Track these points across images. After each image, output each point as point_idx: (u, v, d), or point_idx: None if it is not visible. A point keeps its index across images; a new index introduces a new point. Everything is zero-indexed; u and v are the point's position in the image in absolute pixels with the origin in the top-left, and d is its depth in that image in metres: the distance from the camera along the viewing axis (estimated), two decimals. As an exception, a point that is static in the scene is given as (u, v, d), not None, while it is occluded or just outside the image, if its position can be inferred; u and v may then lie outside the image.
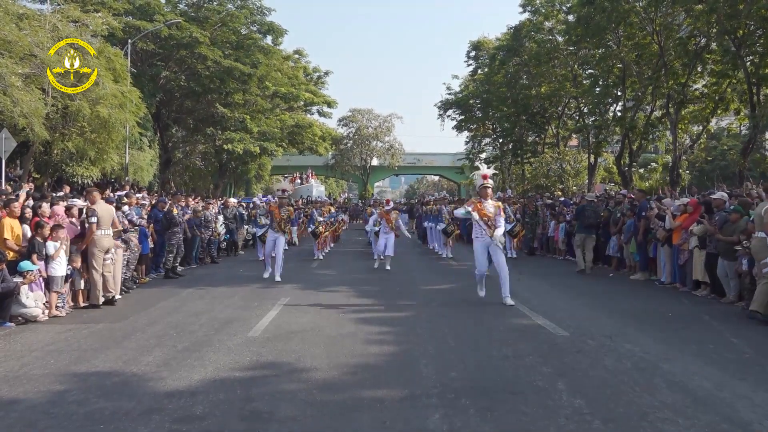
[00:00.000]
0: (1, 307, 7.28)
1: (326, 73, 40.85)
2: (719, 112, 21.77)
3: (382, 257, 13.77)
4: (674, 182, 21.02)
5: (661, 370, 5.28)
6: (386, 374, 5.26)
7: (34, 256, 7.83)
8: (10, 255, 7.67)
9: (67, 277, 8.38)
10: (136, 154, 22.84)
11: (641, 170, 31.69)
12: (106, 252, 8.87)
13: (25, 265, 7.67)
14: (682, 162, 24.40)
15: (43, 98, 14.04)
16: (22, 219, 8.24)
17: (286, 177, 54.26)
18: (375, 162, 57.36)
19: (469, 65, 36.95)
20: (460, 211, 9.27)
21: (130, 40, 22.87)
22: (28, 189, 11.45)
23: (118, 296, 9.19)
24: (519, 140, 35.00)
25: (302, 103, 36.59)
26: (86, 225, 8.88)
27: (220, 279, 12.04)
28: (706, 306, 8.70)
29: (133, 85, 19.25)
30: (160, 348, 6.17)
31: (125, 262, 10.06)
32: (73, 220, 9.22)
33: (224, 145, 28.88)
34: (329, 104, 37.91)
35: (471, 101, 37.34)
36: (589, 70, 27.44)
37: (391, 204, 15.63)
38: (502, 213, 8.91)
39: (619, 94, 24.96)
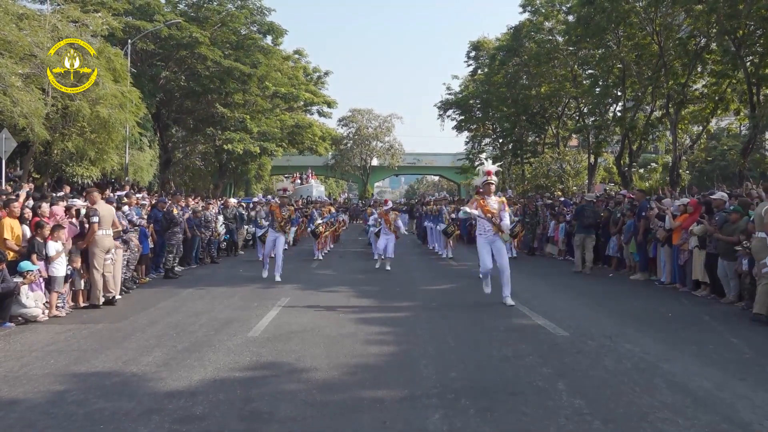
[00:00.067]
0: (1, 308, 7.28)
1: (326, 73, 40.91)
2: (719, 112, 21.78)
3: (383, 257, 13.76)
4: (674, 182, 21.01)
5: (661, 370, 5.28)
6: (386, 374, 5.26)
7: (34, 256, 7.83)
8: (10, 255, 7.66)
9: (67, 277, 8.38)
10: (136, 154, 22.83)
11: (641, 170, 31.69)
12: (107, 252, 8.87)
13: (25, 265, 7.66)
14: (682, 162, 24.41)
15: (43, 98, 14.05)
16: (21, 219, 8.24)
17: (287, 177, 54.37)
18: (375, 162, 57.43)
19: (469, 65, 37.01)
20: (461, 213, 9.29)
21: (130, 40, 22.87)
22: (28, 189, 11.44)
23: (118, 296, 9.19)
24: (519, 140, 35.02)
25: (302, 103, 36.60)
26: (86, 225, 8.89)
27: (220, 279, 12.04)
28: (706, 306, 8.70)
29: (133, 85, 19.25)
30: (159, 348, 6.17)
31: (125, 263, 10.05)
32: (73, 220, 9.22)
33: (224, 145, 28.89)
34: (329, 104, 37.93)
35: (471, 101, 37.37)
36: (589, 71, 27.44)
37: (390, 204, 15.61)
38: (506, 208, 8.82)
39: (619, 94, 24.97)
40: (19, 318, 7.52)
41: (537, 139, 35.23)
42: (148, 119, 24.25)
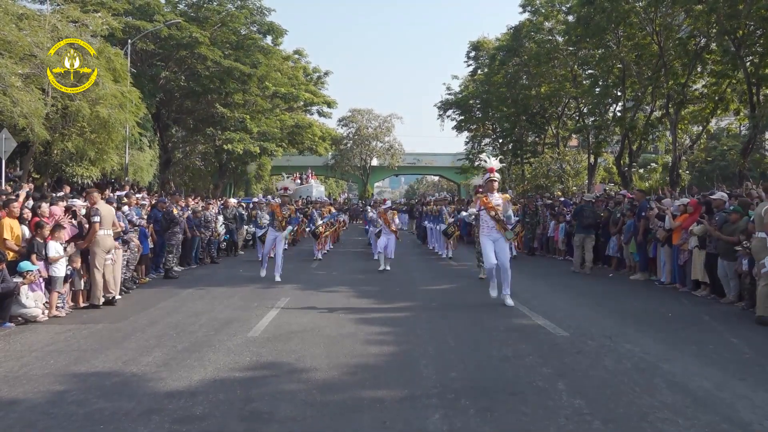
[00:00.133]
0: (1, 308, 7.28)
1: (326, 74, 40.89)
2: (719, 112, 21.78)
3: (379, 256, 13.74)
4: (674, 182, 21.01)
5: (661, 370, 5.28)
6: (386, 374, 5.26)
7: (34, 257, 7.83)
8: (10, 255, 7.66)
9: (66, 278, 8.37)
10: (136, 154, 22.82)
11: (641, 170, 31.69)
12: (108, 252, 8.87)
13: (25, 265, 7.66)
14: (681, 162, 24.41)
15: (43, 98, 14.04)
16: (20, 219, 8.23)
17: (288, 176, 54.42)
18: (375, 162, 57.44)
19: (468, 65, 36.99)
20: (465, 215, 9.11)
21: (129, 41, 22.86)
22: (27, 189, 11.44)
23: (117, 297, 9.19)
24: (519, 140, 35.01)
25: (302, 103, 36.59)
26: (86, 225, 8.88)
27: (220, 279, 12.04)
28: (706, 306, 8.70)
29: (133, 85, 19.24)
30: (159, 348, 6.17)
31: (125, 263, 10.05)
32: (72, 220, 9.22)
33: (224, 146, 28.87)
34: (329, 104, 37.92)
35: (471, 101, 37.35)
36: (589, 71, 27.44)
37: (388, 203, 15.60)
38: (510, 204, 8.75)
39: (618, 94, 24.96)
40: (19, 318, 7.52)
41: (537, 139, 35.23)
42: (148, 119, 24.24)
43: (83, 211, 9.38)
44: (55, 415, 4.24)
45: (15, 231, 7.90)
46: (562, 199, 19.51)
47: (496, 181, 8.72)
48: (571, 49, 26.45)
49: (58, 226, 8.34)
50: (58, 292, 8.17)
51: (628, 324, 7.32)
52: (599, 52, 24.35)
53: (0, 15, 13.46)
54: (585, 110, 28.55)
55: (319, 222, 17.14)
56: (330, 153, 51.10)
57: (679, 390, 4.72)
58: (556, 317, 7.65)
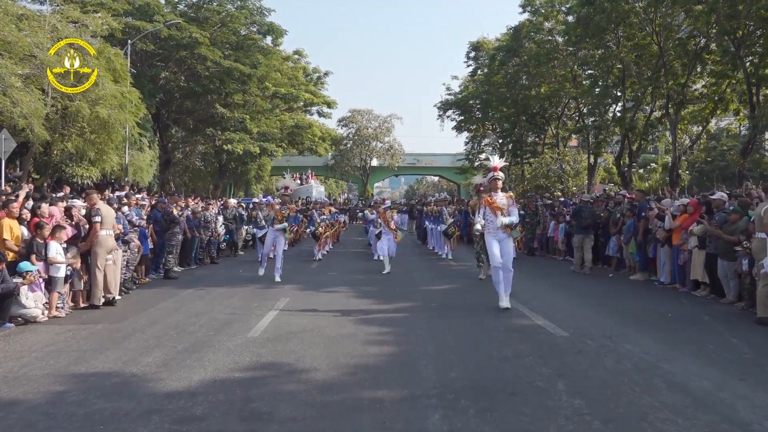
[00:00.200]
0: (1, 308, 7.27)
1: (326, 74, 40.89)
2: (719, 112, 21.79)
3: (381, 257, 13.70)
4: (674, 183, 21.02)
5: (661, 370, 5.28)
6: (386, 375, 5.26)
7: (33, 257, 7.83)
8: (10, 256, 7.66)
9: (66, 278, 8.37)
10: (136, 154, 22.83)
11: (641, 171, 31.70)
12: (109, 252, 8.88)
13: (24, 265, 7.66)
14: (681, 162, 24.42)
15: (43, 99, 14.05)
16: (18, 220, 8.23)
17: (287, 175, 54.45)
18: (375, 162, 57.45)
19: (468, 66, 37.00)
20: (477, 228, 8.69)
21: (129, 41, 22.87)
22: (27, 190, 11.44)
23: (117, 297, 9.19)
24: (519, 141, 35.02)
25: (302, 103, 36.60)
26: (86, 226, 8.88)
27: (220, 280, 12.04)
28: (706, 306, 8.70)
29: (132, 85, 19.25)
30: (159, 349, 6.17)
31: (125, 263, 10.05)
32: (69, 221, 9.20)
33: (224, 146, 28.88)
34: (329, 105, 37.93)
35: (471, 102, 37.36)
36: (589, 71, 27.45)
37: (388, 202, 15.56)
38: (514, 203, 8.58)
39: (618, 94, 24.97)
40: (19, 318, 7.51)
41: (537, 139, 35.23)
42: (147, 120, 24.26)
43: (83, 212, 9.37)
44: (55, 416, 4.24)
45: (15, 231, 7.90)
46: (562, 199, 19.51)
47: (500, 179, 8.51)
48: (570, 49, 26.47)
49: (58, 227, 8.33)
50: (58, 293, 8.17)
51: (628, 324, 7.32)
52: (599, 52, 24.36)
53: (0, 15, 13.46)
54: (585, 110, 28.56)
55: (319, 222, 17.12)
56: (330, 153, 51.13)
57: (678, 390, 4.72)
58: (556, 317, 7.65)
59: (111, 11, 21.32)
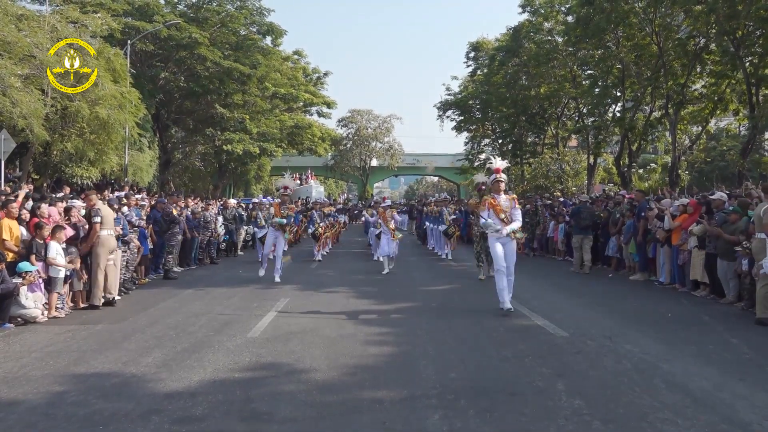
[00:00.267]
0: (1, 308, 7.27)
1: (325, 74, 40.88)
2: (718, 112, 21.78)
3: (381, 258, 13.69)
4: (673, 183, 21.02)
5: (661, 370, 5.28)
6: (386, 375, 5.26)
7: (33, 257, 7.82)
8: (9, 256, 7.66)
9: (66, 278, 8.37)
10: (136, 155, 22.83)
11: (640, 171, 31.70)
12: (111, 253, 8.88)
13: (24, 265, 7.66)
14: (681, 162, 24.41)
15: (43, 99, 14.04)
16: (18, 220, 8.23)
17: (286, 175, 54.40)
18: (374, 163, 57.44)
19: (468, 66, 36.99)
20: (488, 224, 8.19)
21: (129, 41, 22.87)
22: (27, 190, 11.44)
23: (117, 297, 9.19)
24: (518, 141, 35.02)
25: (301, 103, 36.59)
26: (85, 226, 8.88)
27: (220, 280, 12.04)
28: (706, 306, 8.70)
29: (132, 85, 19.24)
30: (159, 349, 6.17)
31: (125, 263, 10.05)
32: (75, 221, 9.21)
33: (224, 146, 28.87)
34: (328, 105, 37.93)
35: (470, 102, 37.35)
36: (589, 71, 27.45)
37: (387, 201, 15.53)
38: (517, 205, 8.36)
39: (618, 94, 24.97)
40: (19, 319, 7.51)
41: (536, 139, 35.23)
42: (147, 120, 24.25)
43: (83, 212, 9.37)
44: (54, 416, 4.24)
45: (14, 232, 7.90)
46: (562, 199, 19.52)
47: (502, 182, 8.33)
48: (570, 49, 26.46)
49: (58, 227, 8.33)
50: (58, 293, 8.16)
51: (627, 324, 7.32)
52: (599, 52, 24.36)
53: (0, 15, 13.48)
54: (584, 110, 28.56)
55: (320, 223, 17.10)
56: (329, 153, 51.11)
57: (678, 390, 4.72)
58: (556, 317, 7.65)
59: (110, 11, 21.33)
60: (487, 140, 39.61)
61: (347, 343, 6.40)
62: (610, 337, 6.53)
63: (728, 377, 5.08)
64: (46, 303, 7.97)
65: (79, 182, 18.25)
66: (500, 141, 37.21)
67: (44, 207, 8.71)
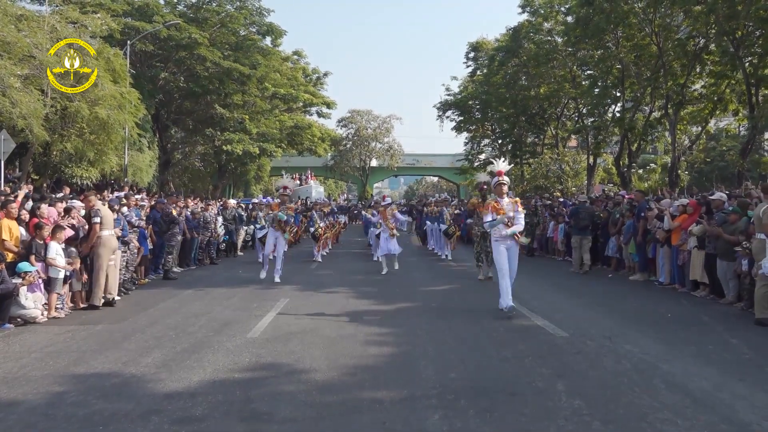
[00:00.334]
0: (0, 309, 7.27)
1: (325, 74, 40.91)
2: (718, 112, 21.78)
3: (380, 258, 13.68)
4: (673, 183, 21.02)
5: (661, 370, 5.28)
6: (386, 375, 5.26)
7: (32, 257, 7.82)
8: (9, 256, 7.66)
9: (66, 279, 8.37)
10: (135, 155, 22.82)
11: (640, 171, 31.70)
12: (113, 252, 8.88)
13: (24, 266, 7.65)
14: (681, 163, 24.42)
15: (42, 99, 14.04)
16: (17, 220, 8.22)
17: (286, 175, 54.45)
18: (374, 163, 57.50)
19: (468, 66, 36.99)
20: (496, 223, 8.04)
21: (129, 41, 22.87)
22: (27, 191, 11.43)
23: (117, 298, 9.18)
24: (518, 141, 35.03)
25: (301, 104, 36.61)
26: (86, 226, 8.88)
27: (220, 280, 12.03)
28: (706, 307, 8.71)
29: (132, 86, 19.25)
30: (159, 349, 6.17)
31: (124, 263, 10.05)
32: (73, 222, 9.21)
33: (223, 146, 28.87)
34: (328, 105, 37.95)
35: (470, 102, 37.35)
36: (588, 71, 27.45)
37: (388, 199, 15.52)
38: (520, 208, 8.20)
39: (618, 94, 24.97)
40: (18, 319, 7.51)
41: (536, 139, 35.23)
42: (147, 120, 24.26)
43: (82, 212, 9.37)
44: (54, 417, 4.24)
45: (14, 232, 7.90)
46: (562, 199, 19.52)
47: (505, 184, 8.18)
48: (570, 49, 26.46)
49: (58, 227, 8.33)
50: (57, 293, 8.16)
51: (627, 324, 7.32)
52: (598, 52, 24.36)
53: (-1, 16, 13.48)
54: (584, 111, 28.55)
55: (320, 224, 17.09)
56: (329, 154, 51.14)
57: (678, 390, 4.72)
58: (556, 318, 7.65)
59: (110, 12, 21.32)
60: (486, 140, 39.64)
61: (347, 343, 6.40)
62: (609, 338, 6.53)
63: (728, 377, 5.09)
64: (45, 303, 7.97)
65: (79, 182, 18.24)
66: (500, 141, 37.22)
67: (44, 207, 8.71)
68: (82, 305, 8.77)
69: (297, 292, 10.33)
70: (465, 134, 40.45)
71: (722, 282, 8.93)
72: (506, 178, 8.27)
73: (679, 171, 23.74)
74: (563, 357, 5.80)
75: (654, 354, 5.85)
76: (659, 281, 10.96)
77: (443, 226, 16.70)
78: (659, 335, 6.73)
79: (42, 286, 7.92)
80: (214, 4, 28.96)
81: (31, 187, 13.68)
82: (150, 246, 11.73)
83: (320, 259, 16.27)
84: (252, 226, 17.76)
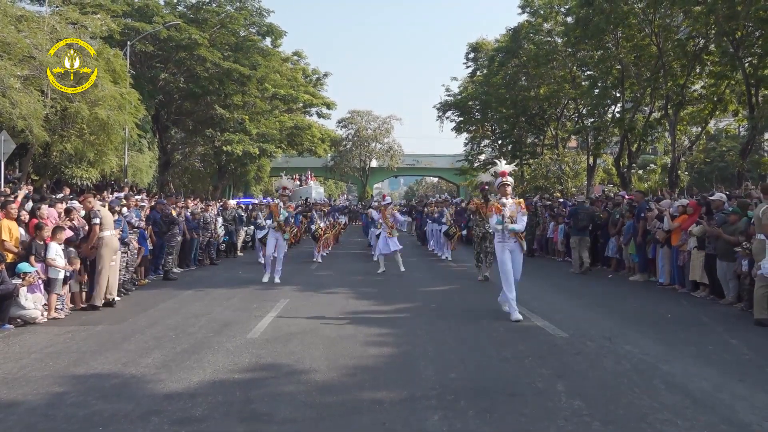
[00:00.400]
0: (0, 309, 7.27)
1: (325, 75, 40.93)
2: (718, 113, 21.77)
3: (378, 257, 13.67)
4: (673, 183, 21.02)
5: (661, 371, 5.28)
6: (385, 376, 5.26)
7: (32, 258, 7.82)
8: (9, 257, 7.66)
9: (66, 279, 8.37)
10: (135, 155, 22.83)
11: (640, 171, 31.69)
12: (115, 253, 8.88)
13: (23, 266, 7.65)
14: (680, 163, 24.41)
15: (42, 100, 14.05)
16: (17, 221, 8.22)
17: (285, 175, 54.42)
18: (374, 163, 57.53)
19: (468, 67, 37.02)
20: (494, 222, 8.02)
21: (128, 42, 22.87)
22: (27, 191, 11.43)
23: (117, 298, 9.18)
24: (518, 141, 35.03)
25: (301, 104, 36.62)
26: (86, 227, 8.87)
27: (220, 281, 12.03)
28: (705, 307, 8.71)
29: (132, 86, 19.25)
30: (159, 350, 6.17)
31: (124, 264, 10.05)
32: (74, 223, 9.20)
33: (223, 147, 28.89)
34: (328, 106, 37.97)
35: (470, 103, 37.36)
36: (588, 72, 27.44)
37: (388, 198, 15.51)
38: (524, 209, 8.11)
39: (617, 95, 24.97)
40: (18, 320, 7.51)
41: (536, 140, 35.23)
42: (147, 121, 24.28)
43: (82, 213, 9.37)
44: (54, 417, 4.24)
45: (13, 233, 7.90)
46: (561, 200, 19.52)
47: (509, 185, 8.07)
48: (570, 50, 26.47)
49: (58, 228, 8.33)
50: (57, 294, 8.16)
51: (627, 325, 7.32)
52: (598, 53, 24.36)
53: (-1, 17, 13.49)
54: (584, 111, 28.55)
55: (320, 224, 17.09)
56: (329, 154, 51.16)
57: (678, 391, 4.72)
58: (556, 318, 7.65)
59: (110, 12, 21.31)
60: (486, 141, 39.65)
61: (347, 343, 6.40)
62: (609, 338, 6.53)
63: (728, 378, 5.09)
64: (45, 304, 7.97)
65: (79, 183, 18.24)
66: (500, 142, 37.23)
67: (44, 208, 8.71)
68: (81, 306, 8.76)
69: (297, 292, 10.33)
70: (465, 135, 40.48)
71: (722, 282, 8.93)
72: (510, 179, 8.16)
73: (679, 171, 23.73)
74: (563, 357, 5.80)
75: (654, 354, 5.85)
76: (659, 282, 10.96)
77: (444, 227, 16.71)
78: (659, 336, 6.73)
79: (42, 286, 7.91)
80: (214, 4, 28.98)
81: (31, 187, 13.67)
82: (150, 247, 11.74)
83: (320, 260, 16.28)
84: (253, 226, 17.76)
